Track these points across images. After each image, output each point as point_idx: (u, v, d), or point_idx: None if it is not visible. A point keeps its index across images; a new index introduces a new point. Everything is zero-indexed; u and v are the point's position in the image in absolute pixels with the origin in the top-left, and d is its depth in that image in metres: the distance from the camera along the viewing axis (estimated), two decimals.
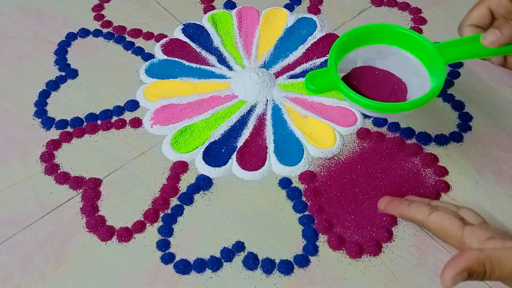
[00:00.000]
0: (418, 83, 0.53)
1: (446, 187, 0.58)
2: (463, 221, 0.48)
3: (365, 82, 0.53)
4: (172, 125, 0.62)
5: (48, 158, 0.60)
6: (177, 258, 0.53)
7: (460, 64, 0.67)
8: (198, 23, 0.73)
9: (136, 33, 0.72)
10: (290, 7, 0.75)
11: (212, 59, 0.69)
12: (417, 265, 0.53)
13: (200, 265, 0.53)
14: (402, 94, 0.53)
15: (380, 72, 0.54)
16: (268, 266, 0.52)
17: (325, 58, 0.69)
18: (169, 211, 0.56)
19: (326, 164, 0.60)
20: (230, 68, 0.68)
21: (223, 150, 0.60)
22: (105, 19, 0.73)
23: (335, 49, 0.52)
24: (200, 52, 0.70)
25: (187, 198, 0.57)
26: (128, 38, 0.71)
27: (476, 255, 0.41)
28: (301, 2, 0.75)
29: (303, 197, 0.57)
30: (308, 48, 0.70)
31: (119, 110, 0.64)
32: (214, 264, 0.53)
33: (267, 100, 0.65)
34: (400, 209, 0.51)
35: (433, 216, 0.48)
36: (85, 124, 0.63)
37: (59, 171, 0.59)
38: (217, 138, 0.61)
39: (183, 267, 0.52)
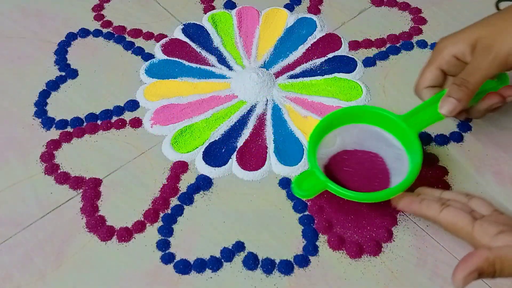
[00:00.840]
0: (392, 153, 0.55)
1: (446, 187, 0.58)
2: (474, 213, 0.48)
3: (346, 167, 0.55)
4: (172, 125, 0.62)
5: (48, 158, 0.60)
6: (177, 258, 0.53)
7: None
8: (198, 23, 0.73)
9: (136, 33, 0.72)
10: (290, 7, 0.75)
11: (212, 59, 0.69)
12: (417, 265, 0.53)
13: (200, 265, 0.52)
14: (383, 168, 0.55)
15: (356, 153, 0.56)
16: (268, 266, 0.52)
17: (325, 58, 0.69)
18: (169, 211, 0.56)
19: None
20: (230, 68, 0.68)
21: (223, 150, 0.60)
22: (105, 19, 0.73)
23: (312, 147, 0.53)
24: (200, 52, 0.70)
25: (187, 198, 0.57)
26: (128, 38, 0.71)
27: (485, 255, 0.42)
28: (301, 2, 0.75)
29: None
30: (308, 48, 0.70)
31: (119, 110, 0.64)
32: (214, 264, 0.53)
33: (267, 100, 0.65)
34: (412, 207, 0.51)
35: (443, 214, 0.48)
36: (85, 124, 0.63)
37: (59, 171, 0.59)
38: (217, 138, 0.61)
39: (183, 267, 0.52)
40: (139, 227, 0.55)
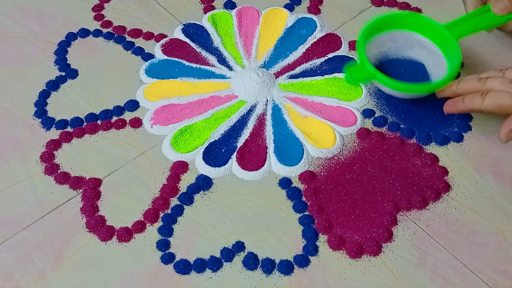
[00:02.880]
0: (432, 60, 0.63)
1: (446, 187, 0.58)
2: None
3: (390, 73, 0.61)
4: (172, 125, 0.62)
5: (48, 158, 0.60)
6: (177, 258, 0.53)
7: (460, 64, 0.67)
8: (198, 23, 0.73)
9: (136, 33, 0.72)
10: (290, 7, 0.75)
11: (212, 59, 0.69)
12: (417, 265, 0.53)
13: (200, 265, 0.53)
14: (424, 74, 0.62)
15: (399, 60, 0.64)
16: (268, 266, 0.52)
17: (325, 58, 0.69)
18: (169, 211, 0.56)
19: (326, 164, 0.60)
20: (230, 68, 0.68)
21: (223, 150, 0.60)
22: (105, 19, 0.73)
23: (361, 44, 0.61)
24: (200, 52, 0.70)
25: (187, 198, 0.57)
26: (128, 38, 0.71)
27: None
28: (301, 2, 0.75)
29: (303, 197, 0.57)
30: (308, 48, 0.70)
31: (119, 110, 0.64)
32: (214, 264, 0.53)
33: (267, 100, 0.65)
34: (458, 106, 0.58)
35: (486, 102, 0.54)
36: (85, 124, 0.63)
37: (59, 171, 0.59)
38: (217, 138, 0.61)
39: (183, 267, 0.52)
40: (139, 227, 0.55)
